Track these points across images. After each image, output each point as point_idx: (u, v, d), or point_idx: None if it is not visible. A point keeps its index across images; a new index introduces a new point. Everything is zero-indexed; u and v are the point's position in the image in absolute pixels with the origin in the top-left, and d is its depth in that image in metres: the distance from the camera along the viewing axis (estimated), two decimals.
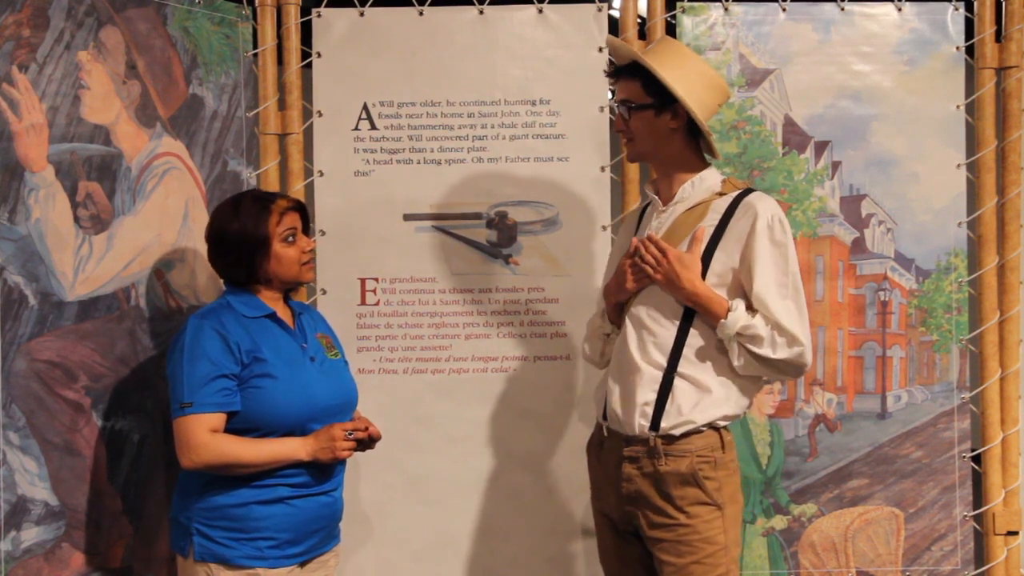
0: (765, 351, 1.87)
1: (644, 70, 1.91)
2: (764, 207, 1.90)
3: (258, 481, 1.87)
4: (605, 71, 2.02)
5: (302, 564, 1.95)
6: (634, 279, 1.97)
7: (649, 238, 1.95)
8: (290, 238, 1.97)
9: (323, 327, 2.14)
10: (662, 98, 1.91)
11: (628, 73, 1.96)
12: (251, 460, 1.85)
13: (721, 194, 1.96)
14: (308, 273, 2.02)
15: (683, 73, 1.90)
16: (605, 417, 2.03)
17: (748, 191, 1.96)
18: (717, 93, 1.96)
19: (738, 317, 1.86)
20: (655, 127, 1.95)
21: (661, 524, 1.91)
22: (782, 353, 1.87)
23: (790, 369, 1.92)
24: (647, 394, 1.92)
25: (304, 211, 2.04)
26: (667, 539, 1.90)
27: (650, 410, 1.91)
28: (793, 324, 1.87)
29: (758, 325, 1.86)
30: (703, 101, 1.92)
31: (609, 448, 2.01)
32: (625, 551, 2.04)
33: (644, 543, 1.98)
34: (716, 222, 1.93)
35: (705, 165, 2.01)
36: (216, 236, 1.97)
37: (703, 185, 1.97)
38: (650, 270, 1.92)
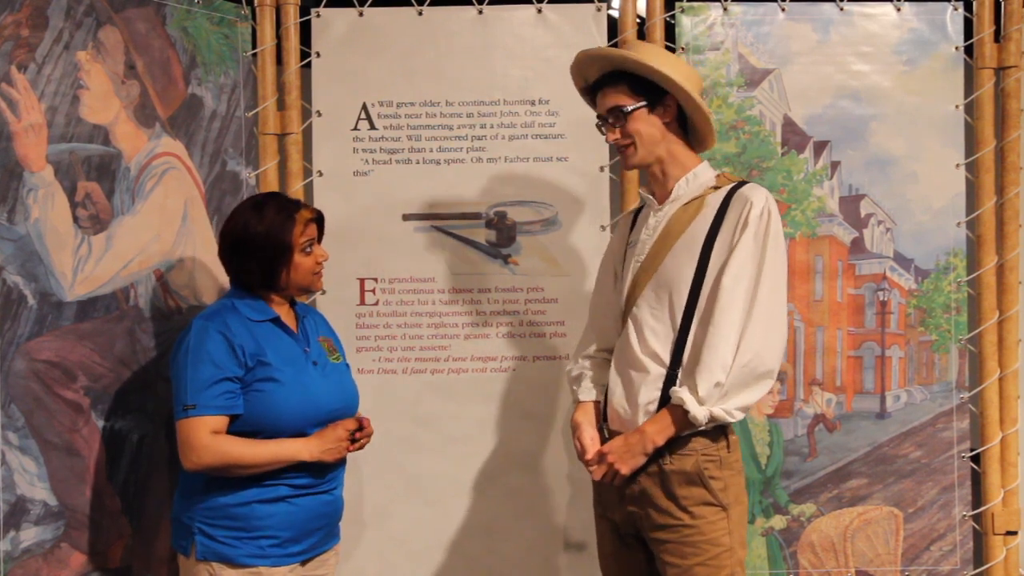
0: (695, 413, 1.82)
1: (626, 72, 1.92)
2: (758, 197, 1.89)
3: (260, 480, 1.88)
4: (580, 89, 2.01)
5: (303, 562, 1.96)
6: (621, 472, 1.93)
7: (587, 461, 1.96)
8: (308, 248, 1.99)
9: (325, 330, 2.14)
10: (652, 95, 1.92)
11: (611, 81, 1.96)
12: (252, 461, 1.85)
13: (716, 188, 1.96)
14: (319, 282, 2.05)
15: (666, 61, 1.91)
16: (605, 419, 2.02)
17: (742, 183, 1.95)
18: (698, 82, 1.97)
19: (695, 412, 1.82)
20: (653, 126, 1.95)
21: (665, 525, 1.89)
22: (704, 412, 1.82)
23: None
24: (651, 392, 1.90)
25: (322, 221, 2.06)
26: (671, 540, 1.89)
27: (654, 408, 1.90)
28: (723, 345, 1.82)
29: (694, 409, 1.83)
30: (692, 89, 1.92)
31: None
32: (626, 556, 2.02)
33: (646, 547, 1.97)
34: (712, 216, 1.92)
35: (697, 160, 2.01)
36: (237, 238, 1.96)
37: (697, 181, 1.97)
38: (621, 472, 1.90)
